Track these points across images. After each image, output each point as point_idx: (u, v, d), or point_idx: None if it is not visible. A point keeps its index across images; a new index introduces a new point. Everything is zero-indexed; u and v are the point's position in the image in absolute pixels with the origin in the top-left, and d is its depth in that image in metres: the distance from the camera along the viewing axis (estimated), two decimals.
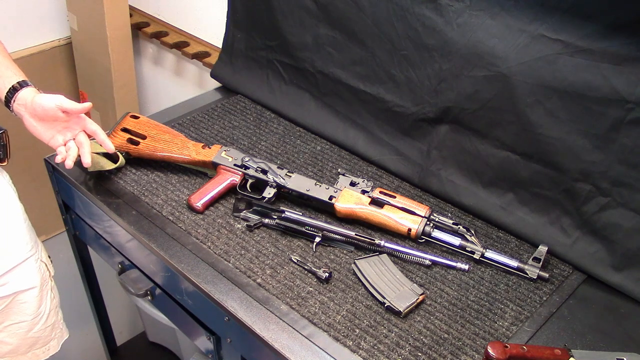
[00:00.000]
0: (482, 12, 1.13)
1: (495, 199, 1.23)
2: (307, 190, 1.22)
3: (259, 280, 1.08)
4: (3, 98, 1.14)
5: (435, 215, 1.19)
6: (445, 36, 1.19)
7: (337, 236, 1.15)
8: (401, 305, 1.03)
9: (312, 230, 1.15)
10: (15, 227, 1.24)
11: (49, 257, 1.34)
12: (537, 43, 1.07)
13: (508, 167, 1.20)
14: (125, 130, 1.32)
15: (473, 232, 1.16)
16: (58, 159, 1.16)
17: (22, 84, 1.13)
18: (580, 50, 1.03)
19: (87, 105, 1.16)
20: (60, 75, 2.30)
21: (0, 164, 1.21)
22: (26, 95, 1.13)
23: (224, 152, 1.29)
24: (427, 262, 1.13)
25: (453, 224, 1.17)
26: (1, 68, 1.14)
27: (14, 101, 1.13)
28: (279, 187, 1.24)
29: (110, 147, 1.20)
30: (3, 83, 1.13)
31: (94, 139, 1.36)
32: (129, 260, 1.31)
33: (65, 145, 1.17)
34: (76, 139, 1.18)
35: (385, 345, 0.98)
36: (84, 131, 1.19)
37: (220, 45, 1.68)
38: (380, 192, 1.22)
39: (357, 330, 1.00)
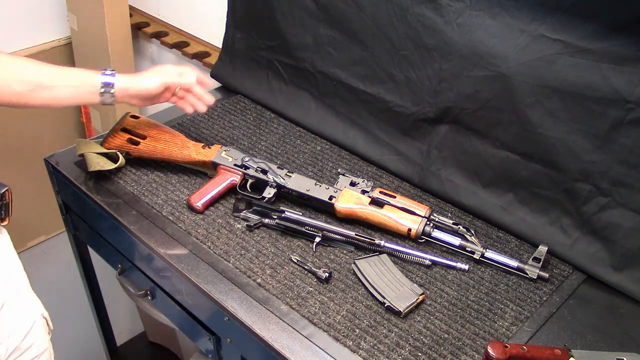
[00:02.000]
0: (482, 12, 1.13)
1: (495, 199, 1.23)
2: (307, 190, 1.22)
3: (259, 280, 1.08)
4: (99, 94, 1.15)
5: (435, 215, 1.19)
6: (445, 36, 1.19)
7: (337, 236, 1.15)
8: (401, 305, 1.03)
9: (312, 230, 1.15)
10: (20, 291, 1.17)
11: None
12: (537, 43, 1.07)
13: (508, 167, 1.20)
14: (125, 130, 1.32)
15: (473, 232, 1.16)
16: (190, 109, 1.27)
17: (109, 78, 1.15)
18: (580, 50, 1.03)
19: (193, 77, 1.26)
20: None
21: (0, 223, 1.20)
22: (124, 86, 1.16)
23: (224, 152, 1.29)
24: (427, 262, 1.13)
25: (453, 224, 1.17)
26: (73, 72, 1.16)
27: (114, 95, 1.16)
28: (279, 187, 1.24)
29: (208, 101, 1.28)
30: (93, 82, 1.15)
31: (93, 139, 1.37)
32: (129, 260, 1.31)
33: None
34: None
35: (385, 345, 0.98)
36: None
37: (220, 45, 1.68)
38: (380, 192, 1.22)
39: (357, 330, 1.00)
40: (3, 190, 1.17)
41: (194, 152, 1.29)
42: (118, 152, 1.29)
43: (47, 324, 1.21)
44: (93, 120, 2.34)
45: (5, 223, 1.20)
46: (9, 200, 1.20)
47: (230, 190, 1.26)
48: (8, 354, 1.10)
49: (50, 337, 1.23)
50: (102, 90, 1.14)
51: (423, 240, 1.17)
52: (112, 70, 1.16)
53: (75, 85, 1.13)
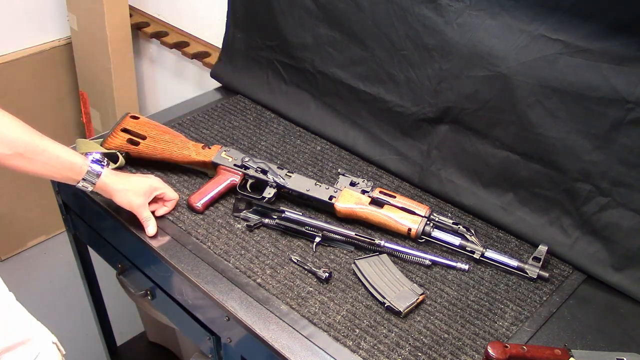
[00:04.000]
0: (482, 12, 1.13)
1: (495, 199, 1.23)
2: (307, 190, 1.22)
3: (259, 280, 1.08)
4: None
5: (435, 215, 1.19)
6: (445, 36, 1.19)
7: (337, 236, 1.15)
8: (401, 305, 1.03)
9: (312, 230, 1.15)
10: (15, 331, 1.11)
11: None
12: (537, 43, 1.07)
13: (508, 167, 1.20)
14: (125, 130, 1.32)
15: (473, 231, 1.16)
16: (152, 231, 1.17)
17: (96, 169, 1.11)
18: (580, 50, 1.03)
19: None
20: (60, 75, 2.31)
21: None
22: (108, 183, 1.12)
23: (223, 152, 1.29)
24: (427, 262, 1.13)
25: (453, 223, 1.17)
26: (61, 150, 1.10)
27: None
28: (279, 187, 1.24)
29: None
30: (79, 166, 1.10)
31: (93, 139, 1.37)
32: (129, 260, 1.31)
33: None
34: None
35: (385, 345, 0.98)
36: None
37: (220, 45, 1.68)
38: (380, 192, 1.22)
39: (357, 330, 1.00)
40: None
41: (194, 152, 1.29)
42: (118, 153, 1.29)
43: (59, 349, 1.17)
44: (93, 120, 2.35)
45: None
46: None
47: (230, 191, 1.26)
48: None
49: None
50: (85, 179, 1.11)
51: (423, 240, 1.17)
52: (100, 162, 1.12)
53: (56, 167, 1.08)
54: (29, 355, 1.09)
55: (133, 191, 1.14)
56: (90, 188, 1.11)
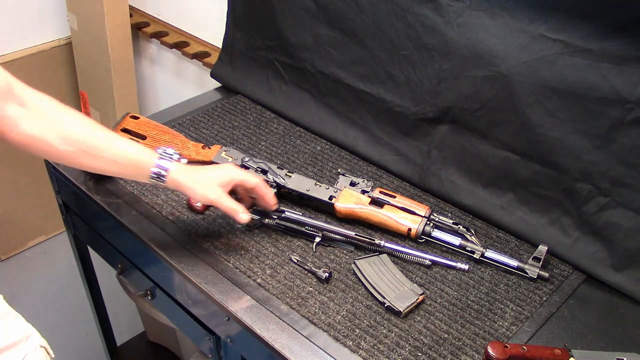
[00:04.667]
0: (482, 12, 1.13)
1: (495, 199, 1.23)
2: (307, 190, 1.22)
3: (259, 280, 1.08)
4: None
5: (435, 215, 1.19)
6: (445, 36, 1.19)
7: (337, 236, 1.15)
8: (401, 305, 1.03)
9: (312, 230, 1.15)
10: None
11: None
12: (537, 43, 1.07)
13: (508, 167, 1.20)
14: (125, 130, 1.32)
15: (473, 231, 1.16)
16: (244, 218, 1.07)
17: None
18: (580, 50, 1.03)
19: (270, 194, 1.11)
20: (60, 75, 2.31)
21: None
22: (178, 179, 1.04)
23: (223, 152, 1.29)
24: (427, 262, 1.13)
25: (453, 223, 1.17)
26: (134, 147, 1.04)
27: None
28: (279, 187, 1.24)
29: (270, 202, 1.12)
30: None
31: None
32: (129, 260, 1.31)
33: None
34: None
35: (385, 345, 0.98)
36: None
37: (220, 45, 1.68)
38: (380, 192, 1.22)
39: (357, 330, 1.00)
40: None
41: (194, 152, 1.29)
42: None
43: (47, 352, 1.12)
44: None
45: None
46: None
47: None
48: None
49: None
50: (153, 175, 1.03)
51: (423, 240, 1.17)
52: (169, 155, 1.05)
53: (123, 164, 1.03)
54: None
55: (206, 184, 1.05)
56: (161, 185, 1.04)
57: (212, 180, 1.05)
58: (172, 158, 1.05)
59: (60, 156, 1.02)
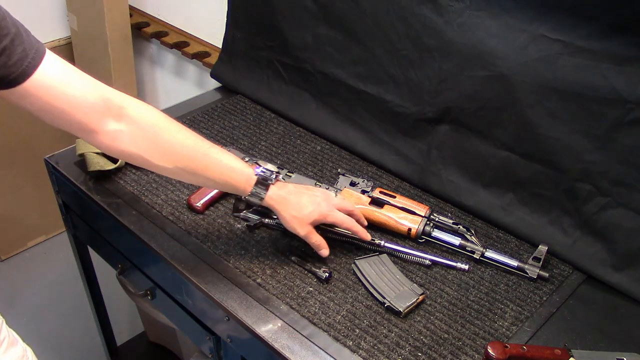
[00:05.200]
0: (482, 12, 1.13)
1: (495, 199, 1.23)
2: None
3: (259, 280, 1.08)
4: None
5: (435, 215, 1.19)
6: (445, 36, 1.19)
7: (337, 236, 1.15)
8: (401, 305, 1.03)
9: None
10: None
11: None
12: (537, 43, 1.07)
13: (508, 167, 1.20)
14: None
15: (473, 231, 1.16)
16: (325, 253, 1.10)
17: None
18: (580, 50, 1.03)
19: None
20: None
21: None
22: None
23: None
24: (427, 262, 1.13)
25: (453, 223, 1.17)
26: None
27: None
28: None
29: (365, 238, 1.12)
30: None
31: None
32: (129, 260, 1.31)
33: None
34: None
35: (385, 345, 0.98)
36: None
37: (220, 45, 1.68)
38: (380, 192, 1.22)
39: (357, 330, 1.00)
40: None
41: None
42: None
43: None
44: None
45: None
46: None
47: None
48: None
49: None
50: (250, 197, 1.04)
51: (423, 240, 1.17)
52: (268, 175, 1.04)
53: (220, 183, 1.04)
54: None
55: (299, 220, 1.05)
56: (258, 204, 1.06)
57: (306, 218, 1.06)
58: (270, 179, 1.05)
59: (159, 170, 1.01)
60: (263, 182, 1.04)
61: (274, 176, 1.05)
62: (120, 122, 0.94)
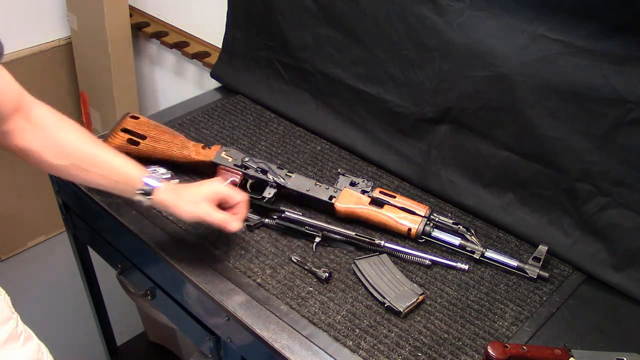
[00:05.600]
0: (482, 12, 1.13)
1: (495, 199, 1.23)
2: (307, 190, 1.22)
3: (259, 280, 1.08)
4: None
5: (435, 215, 1.19)
6: (445, 36, 1.19)
7: (337, 236, 1.15)
8: (401, 305, 1.03)
9: (312, 230, 1.15)
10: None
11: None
12: (538, 43, 1.07)
13: (508, 167, 1.20)
14: (125, 130, 1.32)
15: (473, 231, 1.16)
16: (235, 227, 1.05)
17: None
18: (580, 50, 1.03)
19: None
20: (60, 75, 2.30)
21: None
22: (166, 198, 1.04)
23: (223, 152, 1.29)
24: (427, 262, 1.13)
25: (453, 223, 1.17)
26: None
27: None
28: (279, 187, 1.24)
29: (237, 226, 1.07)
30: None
31: None
32: (129, 260, 1.31)
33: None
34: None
35: (385, 345, 0.98)
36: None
37: (220, 45, 1.68)
38: (380, 192, 1.22)
39: (357, 330, 1.00)
40: None
41: (194, 152, 1.29)
42: None
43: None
44: (93, 121, 2.35)
45: None
46: None
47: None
48: None
49: None
50: (139, 193, 1.04)
51: (423, 240, 1.17)
52: (160, 174, 1.06)
53: (112, 178, 1.05)
54: None
55: (192, 201, 1.03)
56: (146, 203, 1.05)
57: (197, 197, 1.04)
58: (161, 177, 1.05)
59: (54, 169, 1.04)
60: (153, 179, 1.04)
61: (165, 176, 1.07)
62: (27, 120, 0.99)
